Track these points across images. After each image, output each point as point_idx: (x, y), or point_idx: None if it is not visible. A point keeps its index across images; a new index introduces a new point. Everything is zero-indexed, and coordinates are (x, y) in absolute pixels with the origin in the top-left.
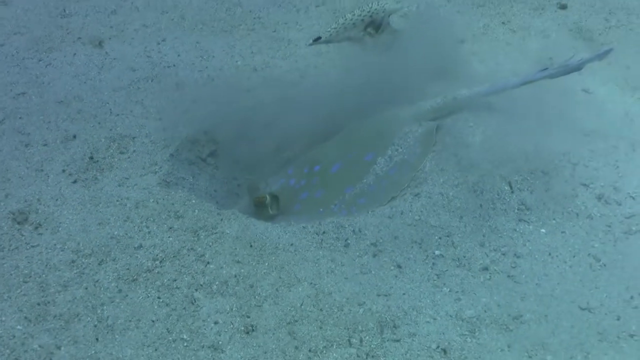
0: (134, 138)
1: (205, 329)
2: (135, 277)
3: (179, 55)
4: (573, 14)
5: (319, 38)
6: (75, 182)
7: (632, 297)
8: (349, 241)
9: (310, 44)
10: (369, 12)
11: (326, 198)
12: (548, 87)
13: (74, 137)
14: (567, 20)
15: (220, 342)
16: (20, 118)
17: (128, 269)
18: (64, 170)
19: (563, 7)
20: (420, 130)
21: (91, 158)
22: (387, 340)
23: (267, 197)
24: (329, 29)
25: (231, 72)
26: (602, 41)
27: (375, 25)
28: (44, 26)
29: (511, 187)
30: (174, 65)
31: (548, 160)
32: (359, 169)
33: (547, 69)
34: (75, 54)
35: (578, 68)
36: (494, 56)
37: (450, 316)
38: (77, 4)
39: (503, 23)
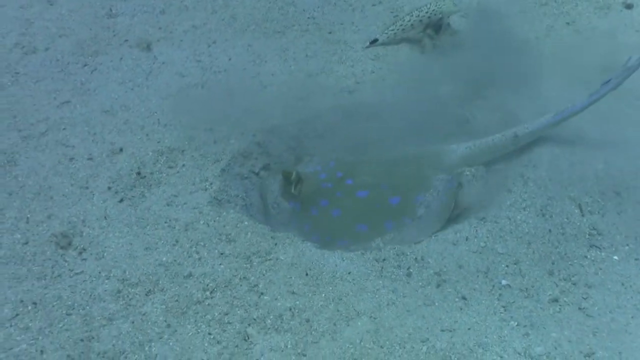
0: (183, 151)
1: None
2: (184, 310)
3: (230, 60)
4: (639, 14)
5: (376, 40)
6: (121, 200)
7: None
8: (411, 270)
9: (367, 47)
10: (426, 13)
11: (339, 225)
12: (612, 96)
13: (121, 150)
14: (634, 21)
15: None
16: (64, 129)
17: (177, 300)
18: (109, 188)
19: (629, 6)
20: (449, 187)
21: (138, 173)
22: None
23: (294, 174)
24: (386, 31)
25: (284, 78)
26: None
27: (435, 26)
28: (90, 27)
29: (581, 210)
30: (225, 71)
31: (619, 180)
32: (380, 209)
33: (610, 80)
34: (122, 58)
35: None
36: (559, 60)
37: (519, 354)
38: (124, 3)
39: (567, 24)
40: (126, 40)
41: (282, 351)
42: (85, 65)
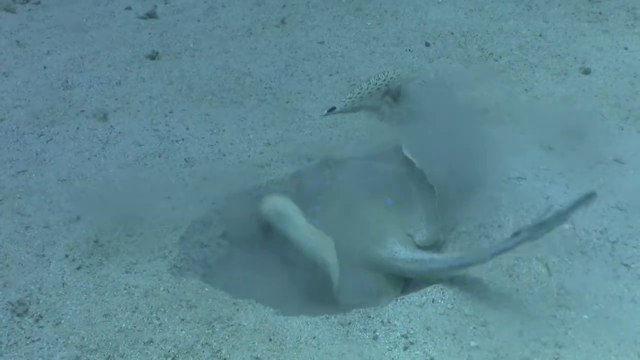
0: (141, 219)
1: None
2: None
3: (187, 129)
4: (597, 78)
5: (334, 108)
6: (79, 268)
7: None
8: (377, 333)
9: (325, 115)
10: (384, 80)
11: None
12: (576, 159)
13: (78, 218)
14: (592, 86)
15: None
16: (19, 198)
17: None
18: (67, 255)
19: (586, 72)
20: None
21: (96, 241)
22: None
23: None
24: (344, 99)
25: (243, 146)
26: (630, 107)
27: (393, 94)
28: (46, 98)
29: (549, 270)
30: (183, 140)
31: (586, 240)
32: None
33: (519, 232)
34: (78, 128)
35: (557, 222)
36: (517, 126)
37: None
38: (80, 75)
39: (526, 90)
40: (82, 111)
41: None
42: (41, 135)
